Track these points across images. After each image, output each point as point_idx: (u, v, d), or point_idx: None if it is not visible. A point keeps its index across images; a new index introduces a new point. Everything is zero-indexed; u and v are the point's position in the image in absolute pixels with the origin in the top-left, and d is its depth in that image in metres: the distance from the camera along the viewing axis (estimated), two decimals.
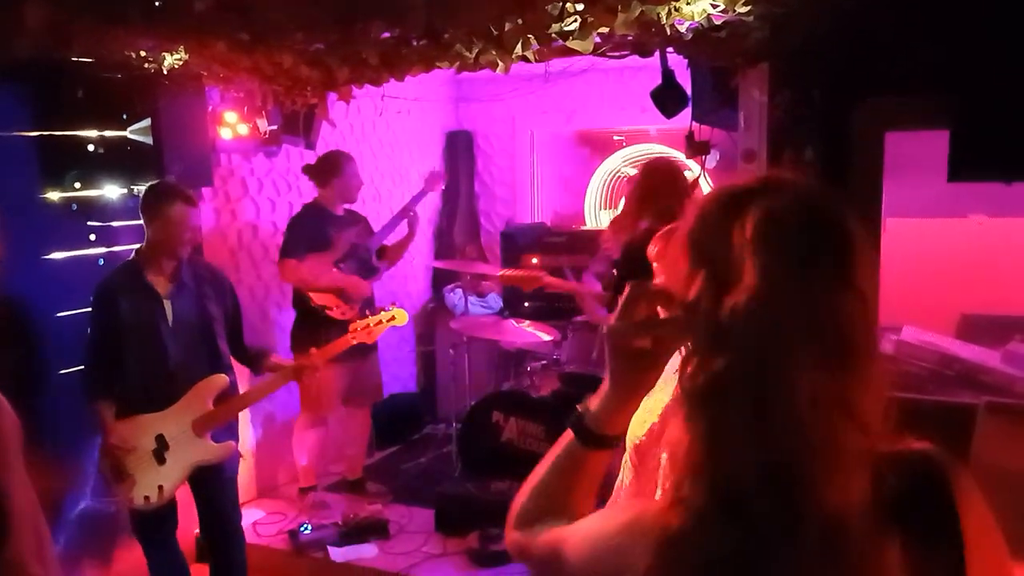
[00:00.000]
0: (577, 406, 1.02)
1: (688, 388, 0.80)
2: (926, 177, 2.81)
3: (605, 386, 0.99)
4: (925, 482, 0.82)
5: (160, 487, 2.97)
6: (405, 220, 4.45)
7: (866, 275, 0.81)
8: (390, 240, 4.49)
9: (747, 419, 0.76)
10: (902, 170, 3.02)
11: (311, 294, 4.09)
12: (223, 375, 3.09)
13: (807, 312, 0.77)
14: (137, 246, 3.09)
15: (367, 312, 4.01)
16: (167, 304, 3.02)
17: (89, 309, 3.07)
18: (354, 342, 3.38)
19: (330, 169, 4.16)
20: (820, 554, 0.74)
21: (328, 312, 4.09)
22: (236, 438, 3.22)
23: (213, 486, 3.14)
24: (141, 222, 3.00)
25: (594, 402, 1.00)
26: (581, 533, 0.93)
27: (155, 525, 3.09)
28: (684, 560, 0.77)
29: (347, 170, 4.17)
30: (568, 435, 1.02)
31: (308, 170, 4.23)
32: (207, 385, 3.04)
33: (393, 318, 3.47)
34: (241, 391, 3.35)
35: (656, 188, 3.19)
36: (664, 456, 0.94)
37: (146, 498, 2.97)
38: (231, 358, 3.22)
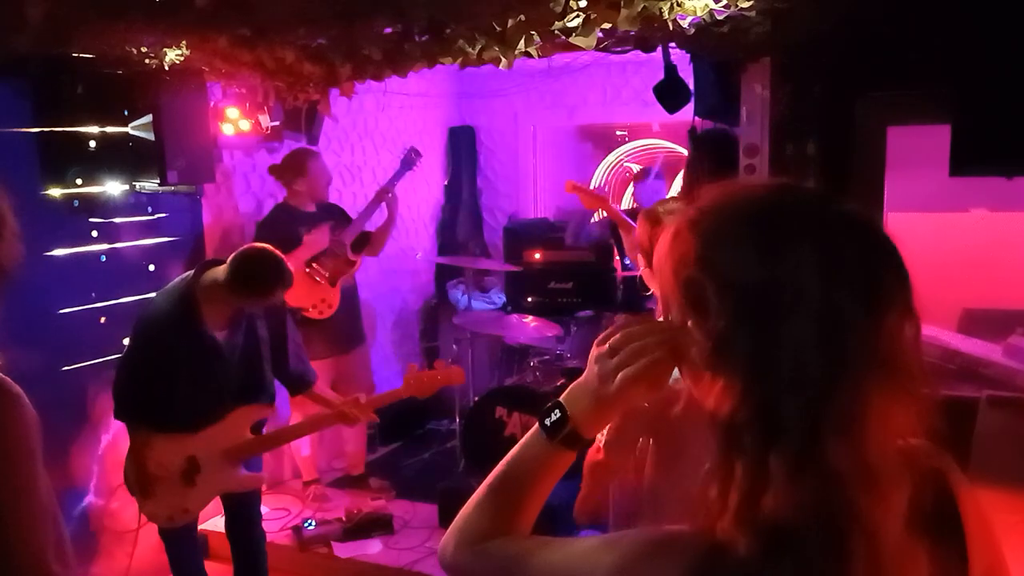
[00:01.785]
0: (551, 404, 0.92)
1: (730, 423, 0.75)
2: (928, 171, 2.81)
3: (588, 385, 0.90)
4: (933, 483, 0.82)
5: (186, 510, 2.86)
6: (384, 204, 4.29)
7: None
8: (371, 226, 4.34)
9: (801, 454, 0.72)
10: (904, 164, 3.02)
11: (285, 296, 4.05)
12: (265, 405, 2.95)
13: (873, 344, 0.74)
14: (192, 276, 2.79)
15: (359, 312, 3.93)
16: (221, 334, 2.84)
17: (130, 332, 2.89)
18: (405, 395, 3.16)
19: (295, 168, 4.07)
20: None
21: (305, 313, 4.02)
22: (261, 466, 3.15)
23: (237, 495, 3.08)
24: (144, 218, 2.96)
25: (578, 403, 0.90)
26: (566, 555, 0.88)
27: (181, 531, 3.00)
28: None
29: (312, 168, 4.08)
30: (535, 434, 0.93)
31: (273, 170, 4.15)
32: (247, 413, 2.90)
33: (450, 377, 3.19)
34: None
35: None
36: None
37: (170, 519, 2.87)
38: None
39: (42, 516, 1.26)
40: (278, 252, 2.74)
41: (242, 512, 3.13)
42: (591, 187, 6.01)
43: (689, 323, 0.81)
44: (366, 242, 4.31)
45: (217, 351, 2.80)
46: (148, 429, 2.81)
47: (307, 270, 4.03)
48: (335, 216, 4.24)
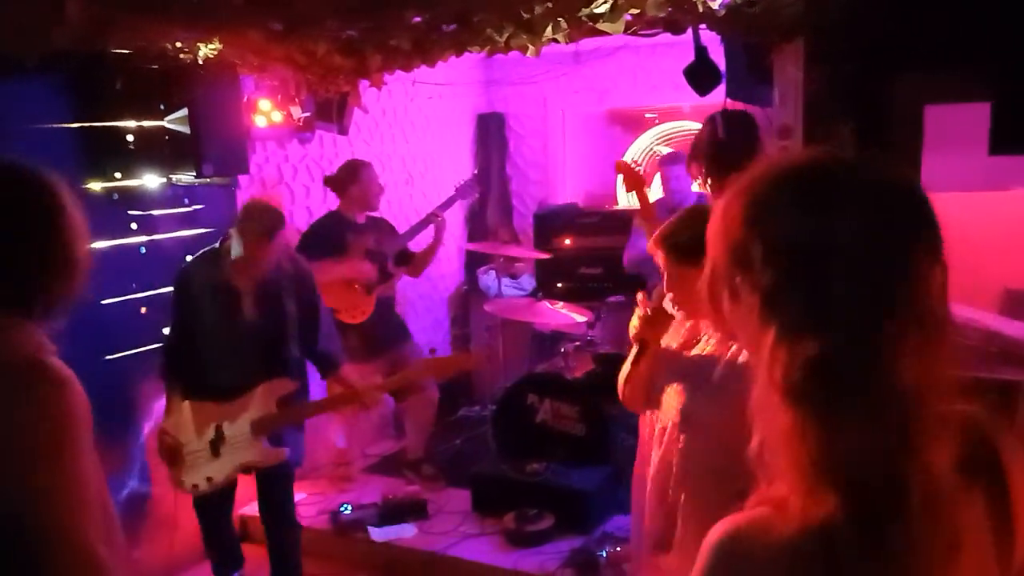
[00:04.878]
0: None
1: (787, 374, 0.79)
2: (967, 150, 2.76)
3: None
4: (980, 441, 0.85)
5: (209, 479, 3.00)
6: (432, 225, 4.34)
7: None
8: (418, 246, 4.41)
9: (855, 402, 0.77)
10: (942, 143, 2.96)
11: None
12: (291, 380, 3.07)
13: (909, 290, 0.79)
14: (223, 237, 3.06)
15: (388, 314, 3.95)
16: (245, 298, 3.02)
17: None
18: (422, 377, 3.38)
19: (346, 178, 4.14)
20: (925, 522, 0.76)
21: (337, 315, 4.03)
22: (286, 443, 3.17)
23: (266, 478, 3.16)
24: (181, 210, 3.04)
25: None
26: None
27: (212, 503, 3.14)
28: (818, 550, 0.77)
29: (362, 177, 4.13)
30: None
31: (327, 181, 4.23)
32: (273, 387, 3.02)
33: (466, 362, 3.61)
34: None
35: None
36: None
37: (195, 486, 3.01)
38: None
39: (89, 499, 1.26)
40: (274, 202, 3.09)
41: (271, 498, 3.20)
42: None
43: (738, 280, 0.86)
44: (408, 260, 4.36)
45: (238, 299, 2.99)
46: (182, 394, 3.01)
47: (334, 263, 4.04)
48: (382, 229, 4.30)
